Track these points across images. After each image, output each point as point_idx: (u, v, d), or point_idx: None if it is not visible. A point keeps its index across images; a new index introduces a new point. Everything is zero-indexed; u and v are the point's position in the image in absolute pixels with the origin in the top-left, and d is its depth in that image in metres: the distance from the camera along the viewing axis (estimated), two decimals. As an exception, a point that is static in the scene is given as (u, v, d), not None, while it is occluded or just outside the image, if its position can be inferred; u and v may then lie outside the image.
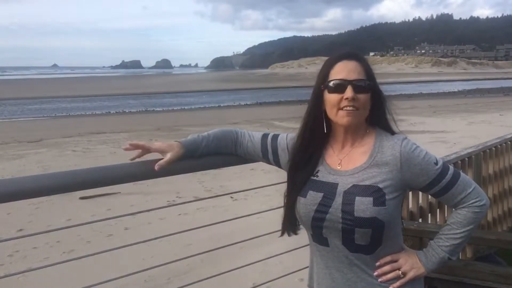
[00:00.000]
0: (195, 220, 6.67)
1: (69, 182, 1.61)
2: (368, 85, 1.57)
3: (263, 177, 8.80)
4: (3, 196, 1.47)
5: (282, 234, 1.77)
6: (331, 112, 1.59)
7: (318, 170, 1.65)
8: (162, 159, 1.70)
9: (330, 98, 1.57)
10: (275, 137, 1.81)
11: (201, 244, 4.69)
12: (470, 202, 1.60)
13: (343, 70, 1.57)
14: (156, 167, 1.68)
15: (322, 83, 1.61)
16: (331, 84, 1.57)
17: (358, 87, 1.55)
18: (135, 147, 1.68)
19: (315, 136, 1.66)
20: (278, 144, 1.78)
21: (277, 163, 1.79)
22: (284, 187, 1.76)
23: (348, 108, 1.54)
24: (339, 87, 1.56)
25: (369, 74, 1.60)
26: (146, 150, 1.69)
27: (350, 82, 1.55)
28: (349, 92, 1.54)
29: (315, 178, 1.64)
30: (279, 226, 2.33)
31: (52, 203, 7.65)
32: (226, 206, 7.48)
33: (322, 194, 1.59)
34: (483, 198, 1.62)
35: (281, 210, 1.77)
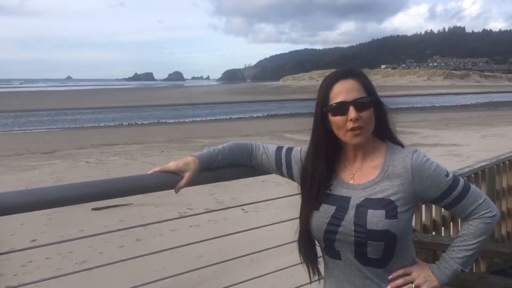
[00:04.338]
0: (206, 232, 6.67)
1: (91, 192, 1.65)
2: (369, 101, 1.58)
3: (274, 189, 8.79)
4: (27, 206, 1.51)
5: (306, 262, 1.74)
6: (339, 133, 1.61)
7: (331, 184, 1.66)
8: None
9: (335, 120, 1.59)
10: (289, 150, 1.83)
11: (212, 256, 4.69)
12: (482, 213, 1.61)
13: (341, 92, 1.57)
14: (175, 190, 1.72)
15: (324, 105, 1.62)
16: (333, 107, 1.58)
17: (359, 105, 1.56)
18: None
19: (324, 153, 1.68)
20: (292, 157, 1.80)
21: (291, 176, 1.81)
22: (295, 199, 1.77)
23: (355, 129, 1.55)
24: (341, 109, 1.56)
25: (368, 89, 1.60)
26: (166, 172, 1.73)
27: (351, 103, 1.55)
28: (352, 113, 1.54)
29: (328, 191, 1.65)
30: (290, 238, 2.32)
31: (65, 214, 7.71)
32: (237, 218, 7.48)
33: (335, 207, 1.60)
34: (494, 209, 1.63)
35: (292, 222, 1.77)
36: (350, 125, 1.55)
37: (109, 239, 6.36)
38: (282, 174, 1.84)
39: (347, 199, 1.60)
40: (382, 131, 1.65)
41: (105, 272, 4.34)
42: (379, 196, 1.56)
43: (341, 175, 1.67)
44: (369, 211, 1.54)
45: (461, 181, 1.62)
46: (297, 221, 1.73)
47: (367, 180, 1.61)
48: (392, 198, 1.55)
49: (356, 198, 1.59)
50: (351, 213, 1.56)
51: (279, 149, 1.84)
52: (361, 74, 1.63)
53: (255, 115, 37.56)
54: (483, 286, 2.67)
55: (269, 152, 1.84)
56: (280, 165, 1.82)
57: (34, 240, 6.58)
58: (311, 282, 1.79)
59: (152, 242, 6.40)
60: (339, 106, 1.57)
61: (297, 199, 1.79)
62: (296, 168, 1.78)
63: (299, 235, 1.72)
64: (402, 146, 1.66)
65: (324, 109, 1.62)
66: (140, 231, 6.67)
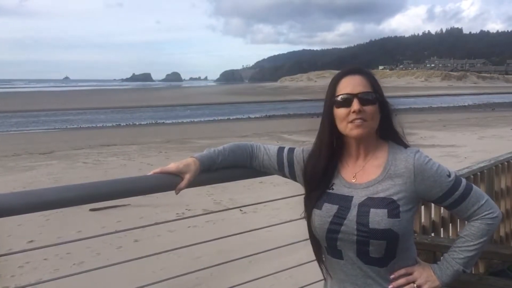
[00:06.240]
0: (204, 233, 6.66)
1: (90, 194, 1.63)
2: (373, 97, 1.60)
3: (272, 190, 8.79)
4: (26, 207, 1.49)
5: (319, 262, 1.74)
6: (341, 126, 1.62)
7: (333, 183, 1.67)
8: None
9: (339, 112, 1.61)
10: (291, 150, 1.83)
11: (210, 257, 4.69)
12: (483, 214, 1.62)
13: (348, 85, 1.60)
14: (176, 192, 1.71)
15: (330, 99, 1.64)
16: (338, 99, 1.61)
17: (364, 99, 1.58)
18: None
19: (329, 151, 1.68)
20: (295, 157, 1.80)
21: (293, 176, 1.81)
22: (294, 200, 1.76)
23: (356, 121, 1.57)
24: (346, 101, 1.59)
25: (374, 86, 1.63)
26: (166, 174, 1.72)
27: (355, 95, 1.58)
28: (355, 105, 1.57)
29: (330, 191, 1.66)
30: (288, 239, 2.32)
31: (62, 214, 7.68)
32: (235, 218, 7.48)
33: (337, 206, 1.60)
34: (496, 210, 1.64)
35: (291, 224, 1.77)
36: (352, 116, 1.57)
37: (107, 240, 6.35)
38: (283, 175, 1.83)
39: (349, 198, 1.60)
40: (385, 131, 1.66)
41: (103, 274, 4.32)
42: (381, 195, 1.57)
43: (343, 174, 1.67)
44: (372, 210, 1.54)
45: (463, 181, 1.62)
46: (296, 222, 1.73)
47: (369, 179, 1.62)
48: (394, 198, 1.56)
49: (358, 197, 1.59)
50: (353, 212, 1.57)
51: (280, 149, 1.84)
52: (369, 73, 1.67)
53: (253, 116, 37.54)
54: (482, 287, 2.67)
55: (270, 153, 1.83)
56: (282, 166, 1.81)
57: (31, 241, 6.56)
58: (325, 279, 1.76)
59: (150, 243, 6.38)
60: (344, 98, 1.59)
61: (296, 200, 1.78)
62: (298, 169, 1.78)
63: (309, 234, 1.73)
64: (405, 146, 1.66)
65: (330, 101, 1.64)
66: (138, 232, 6.64)
